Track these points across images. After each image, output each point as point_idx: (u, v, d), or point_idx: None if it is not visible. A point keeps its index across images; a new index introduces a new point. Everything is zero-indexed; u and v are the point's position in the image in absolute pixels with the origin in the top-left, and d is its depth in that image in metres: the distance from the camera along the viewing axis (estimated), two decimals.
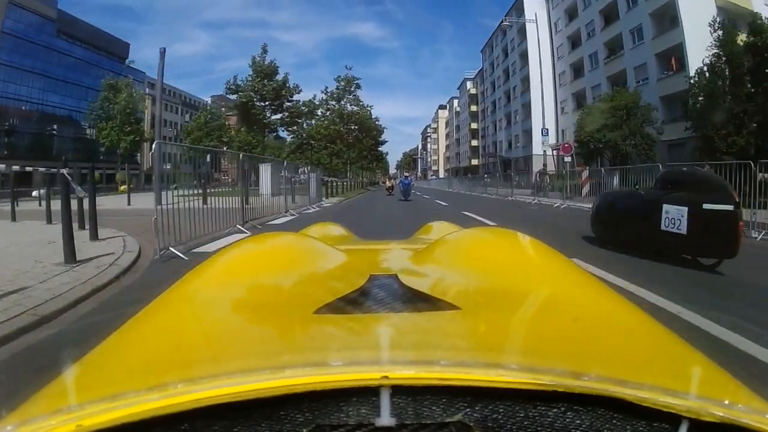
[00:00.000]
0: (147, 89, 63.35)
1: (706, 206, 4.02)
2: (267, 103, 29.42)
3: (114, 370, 0.47)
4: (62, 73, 47.26)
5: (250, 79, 29.36)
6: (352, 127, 37.82)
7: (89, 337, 1.57)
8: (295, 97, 30.88)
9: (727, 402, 0.35)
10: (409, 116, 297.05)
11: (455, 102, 79.51)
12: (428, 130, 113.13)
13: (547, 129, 21.09)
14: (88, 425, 0.32)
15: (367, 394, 0.34)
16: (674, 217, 4.26)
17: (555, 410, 0.34)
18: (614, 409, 0.34)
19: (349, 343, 0.49)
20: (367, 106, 37.64)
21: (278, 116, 30.37)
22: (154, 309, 0.64)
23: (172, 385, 0.35)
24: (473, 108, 64.31)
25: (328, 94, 36.51)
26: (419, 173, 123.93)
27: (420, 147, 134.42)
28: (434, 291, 0.64)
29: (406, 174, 23.12)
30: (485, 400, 0.34)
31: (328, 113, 36.40)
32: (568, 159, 19.24)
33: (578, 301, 0.64)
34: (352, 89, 36.53)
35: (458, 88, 74.64)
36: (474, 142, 63.94)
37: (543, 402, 0.34)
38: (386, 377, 0.34)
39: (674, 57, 27.20)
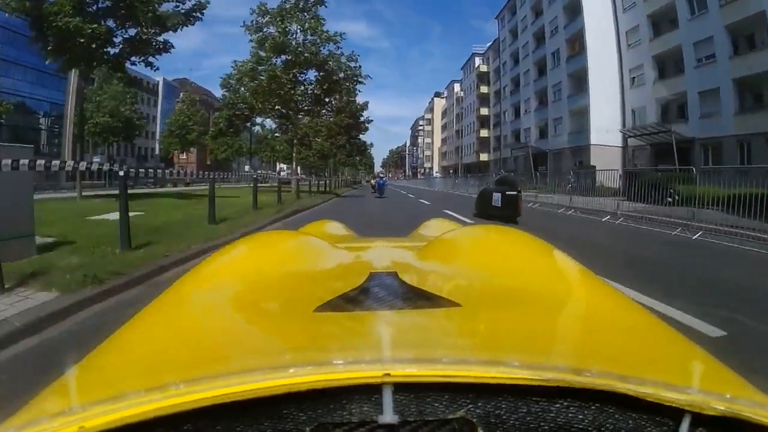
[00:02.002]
0: None
1: (507, 193, 9.81)
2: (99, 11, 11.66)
3: (115, 370, 0.47)
4: None
5: None
6: (304, 76, 20.54)
7: None
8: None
9: (729, 396, 0.35)
10: (396, 115, 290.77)
11: (456, 87, 65.82)
12: (420, 122, 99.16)
13: None
14: (91, 426, 0.32)
15: (370, 391, 0.34)
16: (496, 199, 10.08)
17: (557, 406, 0.34)
18: (616, 404, 0.34)
19: (350, 342, 0.49)
20: (336, 35, 19.77)
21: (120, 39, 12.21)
22: (154, 309, 0.64)
23: (174, 385, 0.35)
24: (483, 89, 50.77)
25: (263, 13, 18.55)
26: (408, 172, 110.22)
27: (409, 143, 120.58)
28: (434, 288, 0.64)
29: (381, 175, 28.03)
30: (488, 396, 0.34)
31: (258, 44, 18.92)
32: None
33: (579, 298, 0.65)
34: (309, 3, 19.05)
35: (462, 68, 61.10)
36: (483, 132, 50.36)
37: (545, 398, 0.35)
38: (388, 375, 0.34)
39: None
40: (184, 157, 71.07)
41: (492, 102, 49.29)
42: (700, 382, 0.38)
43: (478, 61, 53.83)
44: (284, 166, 79.25)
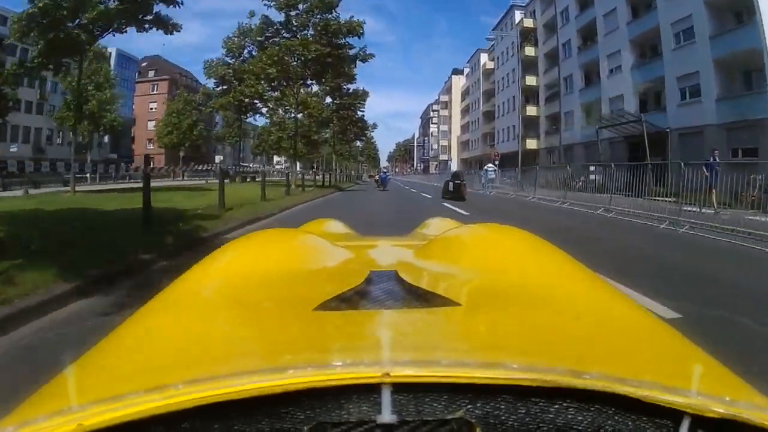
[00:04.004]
0: None
1: (455, 182, 16.41)
2: None
3: (114, 369, 0.47)
4: None
5: None
6: None
7: None
8: None
9: (728, 398, 0.35)
10: (401, 110, 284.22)
11: (483, 57, 52.05)
12: (432, 107, 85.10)
13: None
14: (89, 425, 0.32)
15: (368, 391, 0.34)
16: (451, 185, 16.51)
17: (556, 407, 0.34)
18: (616, 405, 0.34)
19: (350, 341, 0.49)
20: None
21: None
22: (152, 308, 0.65)
23: (173, 384, 0.34)
24: (528, 51, 37.06)
25: None
26: (418, 166, 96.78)
27: (418, 134, 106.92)
28: (434, 287, 0.64)
29: (384, 170, 28.29)
30: (487, 397, 0.35)
31: None
32: None
33: (579, 299, 0.65)
34: None
35: (493, 29, 47.18)
36: (530, 110, 36.64)
37: (544, 399, 0.35)
38: (387, 375, 0.34)
39: None
40: (151, 146, 57.84)
41: (543, 67, 35.64)
42: (699, 384, 0.38)
43: (519, 15, 40.04)
44: (281, 159, 65.96)
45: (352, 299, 0.59)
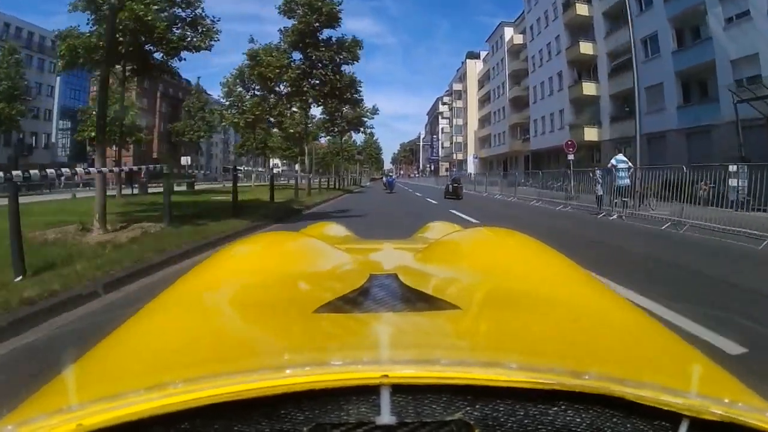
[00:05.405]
0: None
1: (454, 185, 19.44)
2: None
3: (114, 369, 0.47)
4: None
5: None
6: None
7: None
8: None
9: (727, 400, 0.35)
10: (403, 112, 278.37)
11: (508, 32, 42.76)
12: (443, 100, 75.44)
13: None
14: (89, 425, 0.32)
15: (368, 392, 0.34)
16: (451, 188, 19.52)
17: (555, 409, 0.35)
18: (614, 407, 0.34)
19: (349, 343, 0.49)
20: None
21: None
22: (153, 308, 0.65)
23: (172, 384, 0.35)
24: (580, 10, 27.78)
25: None
26: (425, 167, 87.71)
27: (424, 133, 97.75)
28: (434, 290, 0.65)
29: (390, 174, 28.75)
30: (486, 398, 0.35)
31: None
32: None
33: (578, 301, 0.65)
34: None
35: None
36: (588, 88, 27.21)
37: (543, 401, 0.35)
38: (386, 376, 0.34)
39: None
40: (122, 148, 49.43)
41: (602, 31, 26.40)
42: (698, 386, 0.38)
43: None
44: (278, 161, 57.28)
45: (352, 302, 0.59)
